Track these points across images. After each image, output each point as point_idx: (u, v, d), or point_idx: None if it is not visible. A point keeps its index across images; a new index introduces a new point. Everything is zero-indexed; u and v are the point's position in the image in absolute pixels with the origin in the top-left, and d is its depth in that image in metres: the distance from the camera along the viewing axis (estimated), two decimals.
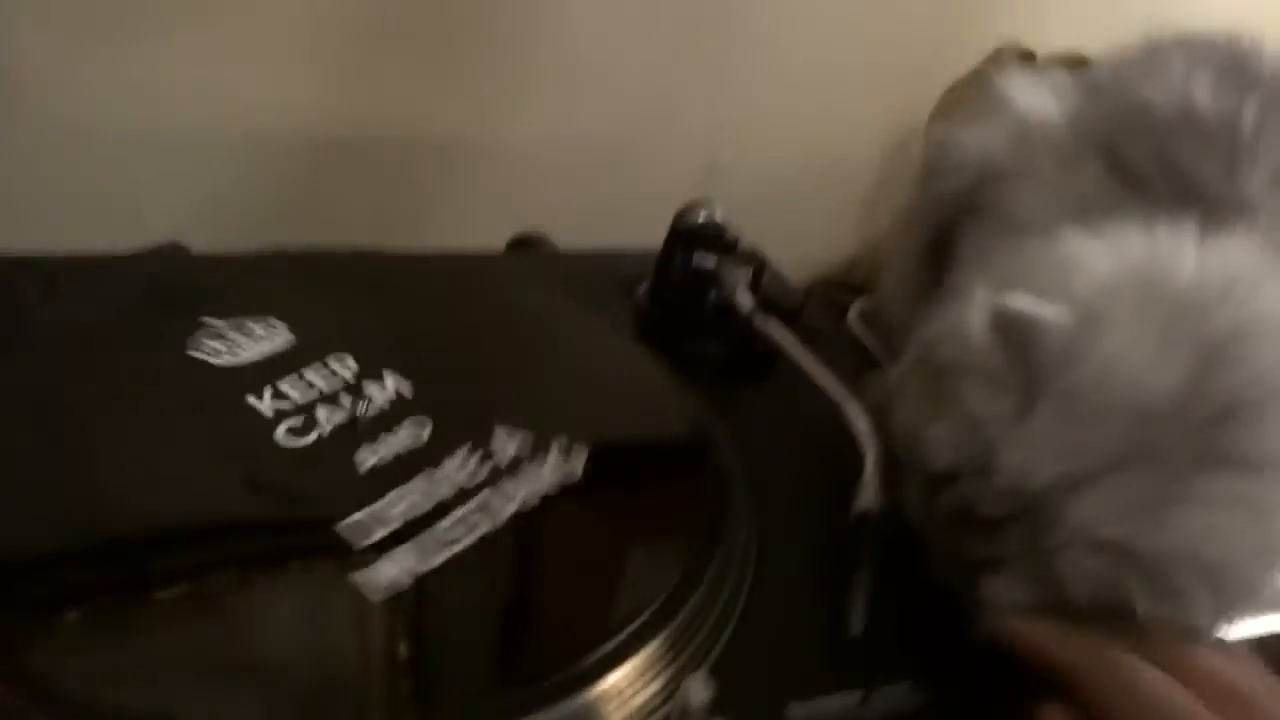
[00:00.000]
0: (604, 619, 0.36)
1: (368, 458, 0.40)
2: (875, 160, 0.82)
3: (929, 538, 0.39)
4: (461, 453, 0.41)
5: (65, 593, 0.34)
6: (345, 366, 0.45)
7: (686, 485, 0.43)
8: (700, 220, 0.56)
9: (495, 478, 0.40)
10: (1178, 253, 0.37)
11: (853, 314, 0.61)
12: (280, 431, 0.41)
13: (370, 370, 0.45)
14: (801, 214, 0.60)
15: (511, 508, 0.39)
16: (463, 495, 0.39)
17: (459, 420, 0.43)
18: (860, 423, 0.45)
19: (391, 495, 0.39)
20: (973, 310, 0.37)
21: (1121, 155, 0.43)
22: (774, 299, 0.58)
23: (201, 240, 0.56)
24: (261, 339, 0.46)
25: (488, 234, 0.65)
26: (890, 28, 0.76)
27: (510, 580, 0.39)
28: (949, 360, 0.37)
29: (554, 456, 0.42)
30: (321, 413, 0.42)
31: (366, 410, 0.43)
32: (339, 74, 0.65)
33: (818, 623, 0.39)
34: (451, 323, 0.52)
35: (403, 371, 0.45)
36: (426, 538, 0.37)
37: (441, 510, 0.38)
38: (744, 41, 0.71)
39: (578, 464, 0.42)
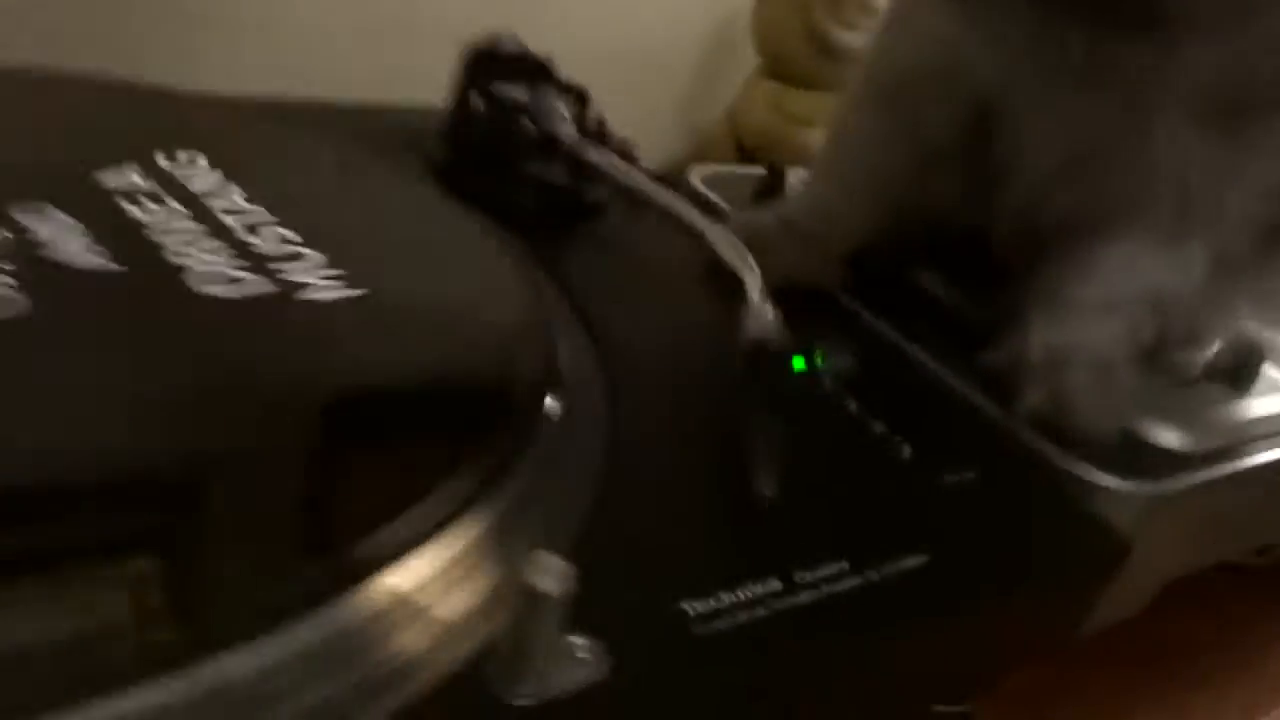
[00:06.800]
0: (390, 489, 0.24)
1: None
2: (696, 48, 0.72)
3: None
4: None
5: None
6: None
7: (499, 330, 0.31)
8: (500, 48, 0.45)
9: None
10: None
11: (695, 175, 0.51)
12: None
13: None
14: (621, 107, 0.50)
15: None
16: None
17: None
18: (731, 250, 0.35)
19: None
20: None
21: None
22: (602, 141, 0.47)
23: None
24: None
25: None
26: None
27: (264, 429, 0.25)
28: None
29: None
30: None
31: None
32: None
33: (710, 490, 0.28)
34: None
35: None
36: None
37: None
38: None
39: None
